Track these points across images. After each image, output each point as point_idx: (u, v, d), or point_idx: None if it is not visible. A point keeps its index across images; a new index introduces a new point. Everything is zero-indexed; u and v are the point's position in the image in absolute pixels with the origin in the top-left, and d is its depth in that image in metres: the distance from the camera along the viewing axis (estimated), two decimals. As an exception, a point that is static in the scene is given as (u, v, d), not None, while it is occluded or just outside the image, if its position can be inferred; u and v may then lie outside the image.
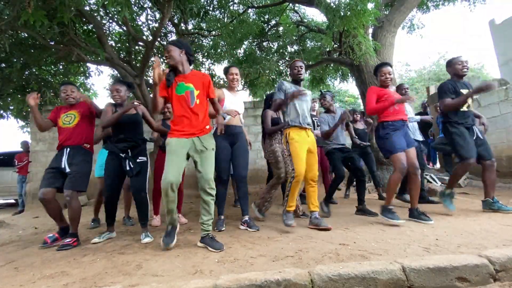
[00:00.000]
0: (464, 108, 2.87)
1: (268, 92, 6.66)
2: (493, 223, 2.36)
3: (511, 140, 5.04)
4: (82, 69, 6.64)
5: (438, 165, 7.01)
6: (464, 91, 2.84)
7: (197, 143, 2.12)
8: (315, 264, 1.56)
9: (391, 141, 2.60)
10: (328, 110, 3.57)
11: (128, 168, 2.51)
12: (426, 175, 4.84)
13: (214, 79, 8.16)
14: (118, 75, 5.55)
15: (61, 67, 6.47)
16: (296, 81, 2.75)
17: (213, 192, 2.12)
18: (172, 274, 1.59)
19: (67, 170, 2.49)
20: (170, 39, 6.94)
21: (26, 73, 5.87)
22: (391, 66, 2.85)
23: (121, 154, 2.54)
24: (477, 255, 1.48)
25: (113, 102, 2.74)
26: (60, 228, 2.60)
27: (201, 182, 2.09)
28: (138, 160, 2.57)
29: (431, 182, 4.68)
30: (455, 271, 1.37)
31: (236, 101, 2.89)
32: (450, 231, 2.18)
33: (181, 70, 2.19)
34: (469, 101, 2.86)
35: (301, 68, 2.71)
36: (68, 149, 2.56)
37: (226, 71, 2.98)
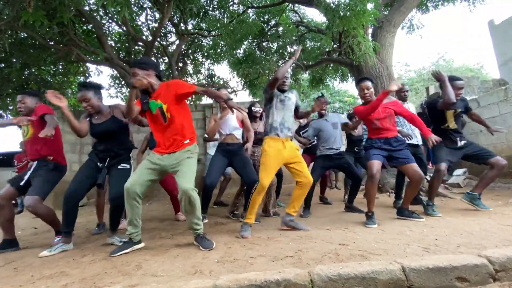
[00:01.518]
0: (444, 127, 3.03)
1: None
2: (492, 223, 2.36)
3: (510, 140, 5.05)
4: (81, 69, 6.64)
5: None
6: (447, 112, 2.99)
7: (171, 159, 2.12)
8: (314, 264, 1.56)
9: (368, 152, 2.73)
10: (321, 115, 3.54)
11: (100, 179, 2.38)
12: (426, 175, 4.84)
13: (214, 79, 8.16)
14: (118, 75, 5.55)
15: (60, 67, 6.47)
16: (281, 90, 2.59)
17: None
18: (171, 274, 1.59)
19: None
20: (169, 39, 6.96)
21: (26, 73, 5.87)
22: (371, 81, 2.84)
23: (98, 164, 2.41)
24: (476, 255, 1.48)
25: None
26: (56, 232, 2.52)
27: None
28: (120, 167, 2.40)
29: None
30: (455, 271, 1.37)
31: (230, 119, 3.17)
32: (449, 231, 2.18)
33: (150, 91, 2.16)
34: (449, 119, 3.00)
35: (287, 79, 2.57)
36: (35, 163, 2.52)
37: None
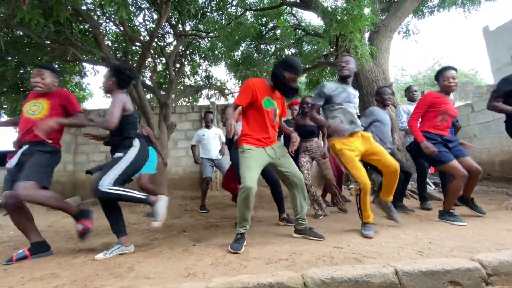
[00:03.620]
0: None
1: None
2: (485, 226, 2.38)
3: (504, 145, 5.11)
4: (77, 68, 6.59)
5: None
6: None
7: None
8: (308, 267, 1.56)
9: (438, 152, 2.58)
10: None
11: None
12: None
13: (211, 81, 8.16)
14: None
15: (56, 66, 6.42)
16: (342, 78, 2.49)
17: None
18: (164, 276, 1.57)
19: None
20: (166, 40, 6.95)
21: (21, 71, 5.81)
22: (456, 70, 2.71)
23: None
24: (469, 259, 1.49)
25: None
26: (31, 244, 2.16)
27: None
28: (114, 156, 2.20)
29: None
30: (448, 275, 1.38)
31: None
32: (443, 234, 2.19)
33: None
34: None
35: (347, 63, 2.44)
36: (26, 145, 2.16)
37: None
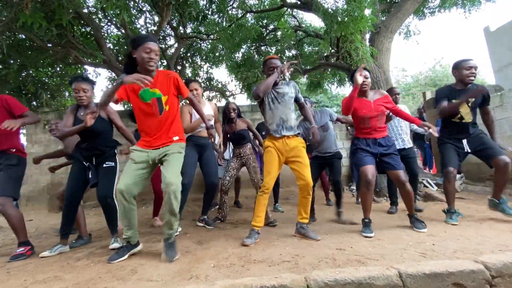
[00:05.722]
0: (456, 120, 2.70)
1: None
2: (488, 228, 2.36)
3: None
4: (79, 71, 6.62)
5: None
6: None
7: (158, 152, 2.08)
8: (311, 269, 1.55)
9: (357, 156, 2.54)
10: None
11: (90, 176, 2.36)
12: (423, 179, 4.86)
13: (212, 83, 8.18)
14: (116, 77, 5.54)
15: (58, 69, 6.45)
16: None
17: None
18: (167, 279, 1.57)
19: None
20: (168, 42, 6.97)
21: (23, 74, 5.84)
22: (368, 71, 2.62)
23: (84, 162, 2.39)
24: (473, 260, 1.49)
25: (77, 103, 2.46)
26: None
27: None
28: (104, 165, 2.39)
29: (427, 187, 4.70)
30: (451, 277, 1.37)
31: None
32: (446, 236, 2.18)
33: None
34: (463, 112, 2.65)
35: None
36: None
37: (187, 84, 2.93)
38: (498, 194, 2.67)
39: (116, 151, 2.56)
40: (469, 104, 2.68)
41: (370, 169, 2.41)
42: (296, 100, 2.51)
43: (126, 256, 1.99)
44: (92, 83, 2.50)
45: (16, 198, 2.32)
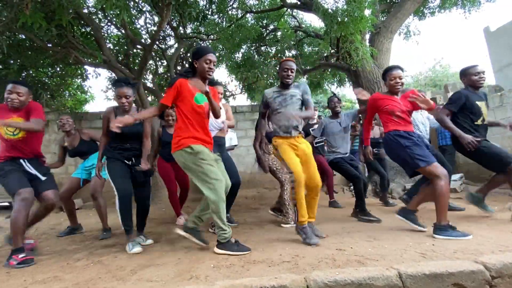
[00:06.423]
0: (478, 122, 2.68)
1: None
2: (488, 228, 2.36)
3: (506, 146, 5.08)
4: (79, 71, 6.63)
5: None
6: (480, 104, 2.67)
7: None
8: (311, 269, 1.55)
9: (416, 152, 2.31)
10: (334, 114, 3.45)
11: (136, 175, 2.43)
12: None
13: (212, 83, 8.18)
14: (116, 77, 5.54)
15: (58, 69, 6.45)
16: (284, 84, 2.47)
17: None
18: (167, 279, 1.57)
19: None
20: (168, 43, 6.97)
21: (23, 75, 5.84)
22: (402, 70, 2.54)
23: (126, 162, 2.44)
24: (473, 261, 1.49)
25: (117, 106, 2.51)
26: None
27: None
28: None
29: None
30: (451, 277, 1.37)
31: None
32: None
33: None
34: (484, 113, 2.68)
35: (292, 72, 2.43)
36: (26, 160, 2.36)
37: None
38: (486, 192, 2.80)
39: None
40: (486, 104, 2.74)
41: (439, 166, 2.25)
42: (303, 102, 2.49)
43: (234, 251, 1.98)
44: (132, 85, 2.50)
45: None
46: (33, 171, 2.34)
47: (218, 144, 2.93)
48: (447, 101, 2.82)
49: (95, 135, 3.29)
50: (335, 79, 8.01)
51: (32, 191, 2.21)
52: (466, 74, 2.79)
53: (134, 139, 2.50)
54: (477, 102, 2.68)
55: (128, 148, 2.48)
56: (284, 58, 2.66)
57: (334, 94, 3.49)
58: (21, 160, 2.33)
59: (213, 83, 3.03)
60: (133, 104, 2.56)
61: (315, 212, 2.42)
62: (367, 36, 5.57)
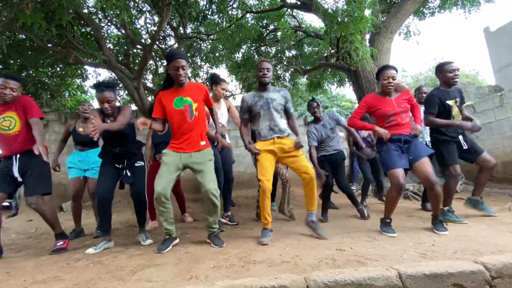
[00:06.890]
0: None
1: None
2: (489, 229, 2.36)
3: (506, 146, 5.09)
4: (79, 71, 6.62)
5: None
6: (451, 102, 2.72)
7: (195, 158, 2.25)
8: (311, 270, 1.55)
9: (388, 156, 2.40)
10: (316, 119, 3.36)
11: (126, 176, 2.46)
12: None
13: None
14: (116, 77, 5.54)
15: (58, 69, 6.45)
16: (263, 85, 2.48)
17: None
18: (167, 279, 1.57)
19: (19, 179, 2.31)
20: (168, 43, 6.97)
21: (23, 75, 5.84)
22: (396, 70, 2.51)
23: (116, 165, 2.46)
24: (473, 261, 1.48)
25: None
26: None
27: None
28: (136, 165, 2.53)
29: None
30: (451, 278, 1.37)
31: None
32: (446, 236, 2.18)
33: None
34: (454, 111, 2.74)
35: (268, 71, 2.45)
36: (18, 155, 2.30)
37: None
38: (480, 192, 2.82)
39: (142, 151, 2.71)
40: (457, 104, 2.78)
41: (400, 172, 2.30)
42: (285, 109, 2.52)
43: (170, 248, 2.17)
44: (114, 86, 2.46)
45: (49, 193, 2.41)
46: (16, 173, 2.30)
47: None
48: (425, 106, 2.82)
49: None
50: (335, 79, 8.00)
51: (4, 196, 2.27)
52: (441, 70, 2.79)
53: (122, 141, 2.46)
54: (448, 102, 2.73)
55: (118, 151, 2.45)
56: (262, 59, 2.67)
57: (313, 99, 3.38)
58: (13, 157, 2.31)
59: (217, 79, 3.07)
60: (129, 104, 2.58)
61: (315, 202, 2.41)
62: (367, 36, 5.57)
